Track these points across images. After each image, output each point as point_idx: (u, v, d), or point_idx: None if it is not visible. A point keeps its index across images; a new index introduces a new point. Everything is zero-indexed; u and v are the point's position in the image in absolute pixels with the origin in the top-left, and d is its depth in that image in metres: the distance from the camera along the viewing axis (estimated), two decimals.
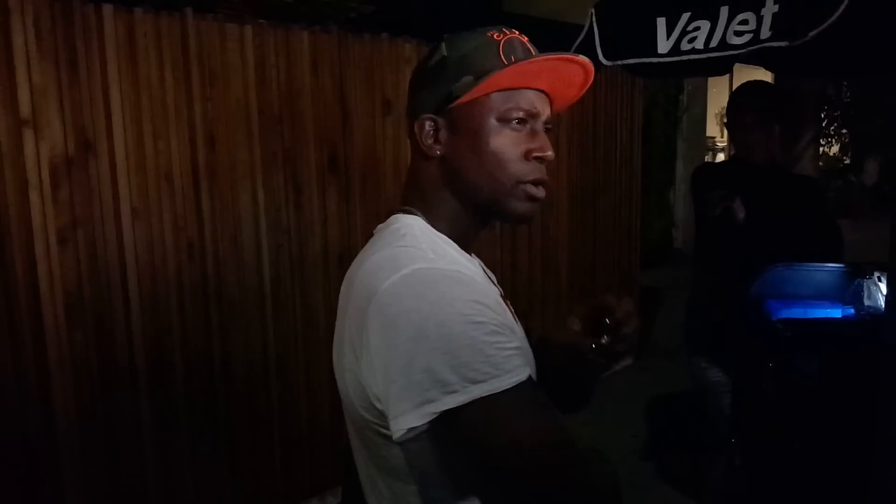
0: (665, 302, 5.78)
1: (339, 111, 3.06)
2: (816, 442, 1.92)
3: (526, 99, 1.01)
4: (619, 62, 1.99)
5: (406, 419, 0.86)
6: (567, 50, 1.99)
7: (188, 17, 2.58)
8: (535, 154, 1.01)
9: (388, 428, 0.89)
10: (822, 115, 10.14)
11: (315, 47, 2.95)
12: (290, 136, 2.92)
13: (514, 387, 0.85)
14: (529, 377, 0.89)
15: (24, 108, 2.22)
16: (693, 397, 2.90)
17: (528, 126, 1.01)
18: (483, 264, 1.15)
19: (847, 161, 11.06)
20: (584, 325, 1.06)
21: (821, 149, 10.51)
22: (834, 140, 11.06)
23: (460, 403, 0.84)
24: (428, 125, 1.02)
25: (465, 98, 0.99)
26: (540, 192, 1.03)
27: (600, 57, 2.01)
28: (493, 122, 1.00)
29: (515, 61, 0.99)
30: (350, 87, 3.08)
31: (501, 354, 0.86)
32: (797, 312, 2.17)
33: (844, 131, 10.81)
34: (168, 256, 2.61)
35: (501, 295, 1.10)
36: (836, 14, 1.62)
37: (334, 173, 3.09)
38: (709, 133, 9.30)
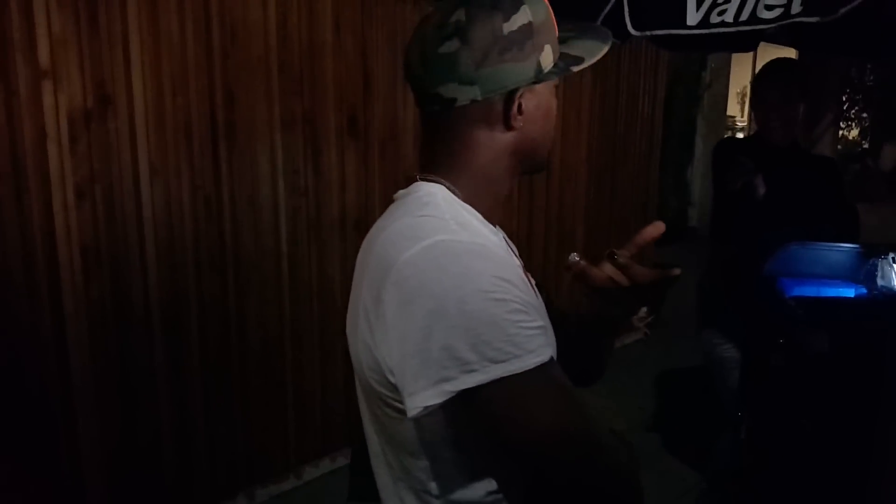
0: (679, 280, 5.76)
1: (360, 74, 3.04)
2: (824, 419, 1.92)
3: None
4: (648, 33, 1.96)
5: (422, 397, 0.82)
6: (594, 15, 1.95)
7: None
8: None
9: (401, 402, 0.86)
10: (844, 98, 10.00)
11: (337, 7, 2.92)
12: (310, 97, 2.90)
13: (535, 367, 0.82)
14: (552, 358, 0.86)
15: (44, 59, 2.21)
16: (701, 372, 2.91)
17: None
18: (506, 236, 1.12)
19: (865, 145, 10.92)
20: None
21: (840, 132, 10.37)
22: (854, 124, 10.90)
23: (480, 383, 0.80)
24: (517, 98, 0.97)
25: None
26: None
27: (629, 27, 1.97)
28: (553, 88, 1.03)
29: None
30: (372, 49, 3.05)
31: (524, 334, 0.82)
32: (810, 291, 2.17)
33: (865, 115, 10.66)
34: (185, 214, 2.62)
35: (523, 267, 1.09)
36: None
37: (354, 137, 3.07)
38: (729, 112, 9.18)
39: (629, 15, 1.96)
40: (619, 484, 0.87)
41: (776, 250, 2.29)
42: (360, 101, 3.07)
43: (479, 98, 0.95)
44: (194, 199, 2.64)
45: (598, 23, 1.91)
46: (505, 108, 0.97)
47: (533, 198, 4.04)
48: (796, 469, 2.03)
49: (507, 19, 0.93)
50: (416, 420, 0.88)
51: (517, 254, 1.13)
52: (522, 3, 0.95)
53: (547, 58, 0.97)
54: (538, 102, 1.00)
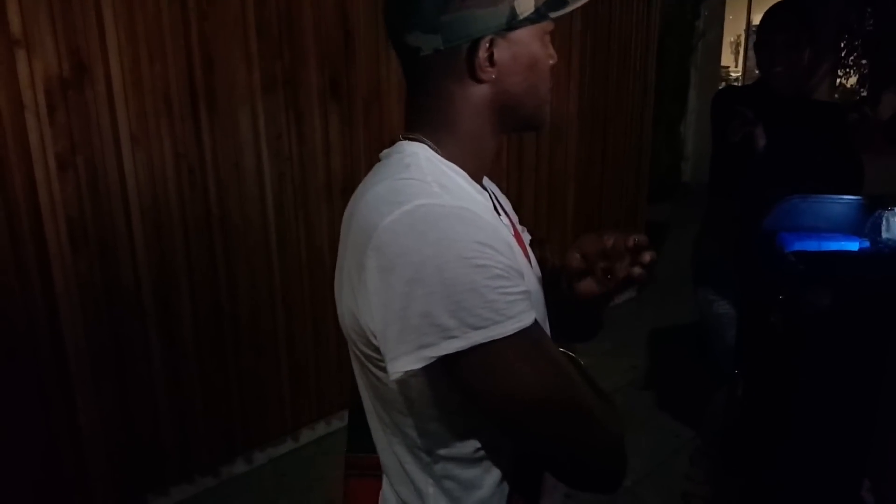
0: (670, 236, 5.74)
1: (341, 32, 2.95)
2: (826, 377, 1.89)
3: None
4: None
5: (403, 362, 0.82)
6: None
7: None
8: (551, 61, 0.98)
9: (385, 362, 0.86)
10: (842, 44, 9.84)
11: None
12: (290, 59, 2.82)
13: (516, 333, 0.81)
14: (535, 322, 0.85)
15: (15, 27, 2.14)
16: (695, 329, 2.88)
17: None
18: (496, 192, 1.09)
19: (864, 93, 10.78)
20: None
21: (838, 79, 10.24)
22: (852, 71, 10.74)
23: (459, 349, 0.80)
24: (486, 47, 0.90)
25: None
26: None
27: None
28: (538, 37, 0.95)
29: None
30: (352, 6, 2.96)
31: (505, 300, 0.81)
32: (811, 245, 2.12)
33: (864, 62, 10.49)
34: (169, 183, 2.57)
35: (515, 223, 1.06)
36: None
37: (336, 99, 3.00)
38: (723, 62, 9.03)
39: None
40: (604, 448, 0.89)
41: (776, 204, 2.24)
42: (342, 61, 2.98)
43: (442, 48, 0.90)
44: (178, 167, 2.59)
45: None
46: (468, 58, 0.91)
47: (522, 156, 3.95)
48: (794, 427, 2.01)
49: None
50: (401, 381, 0.89)
51: (508, 210, 1.11)
52: None
53: (526, 2, 0.90)
54: (516, 52, 0.92)
